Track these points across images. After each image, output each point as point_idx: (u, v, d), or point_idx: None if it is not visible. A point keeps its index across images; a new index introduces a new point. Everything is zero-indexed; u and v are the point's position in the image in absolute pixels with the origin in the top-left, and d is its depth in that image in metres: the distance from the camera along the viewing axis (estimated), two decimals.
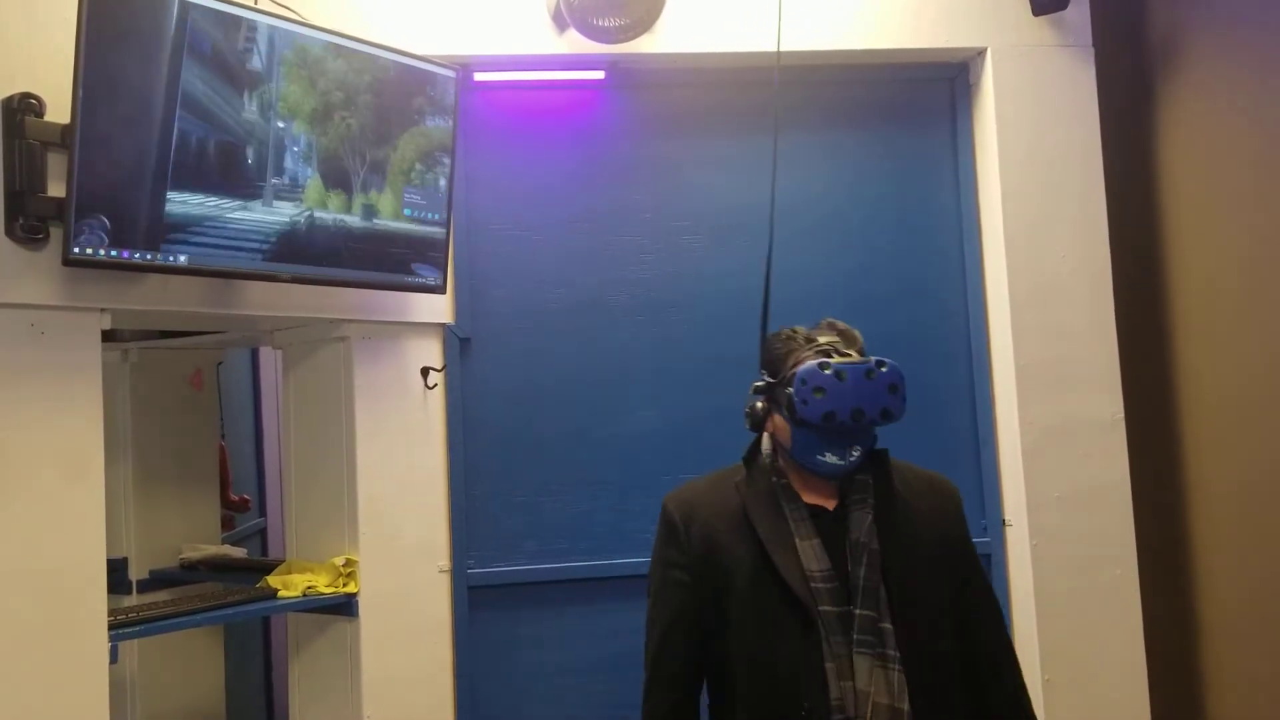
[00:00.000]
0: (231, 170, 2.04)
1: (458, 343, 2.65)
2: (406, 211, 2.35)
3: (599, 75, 2.74)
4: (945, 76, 2.84)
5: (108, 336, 2.12)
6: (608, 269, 2.74)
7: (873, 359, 1.74)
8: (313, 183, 2.17)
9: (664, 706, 1.89)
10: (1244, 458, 2.52)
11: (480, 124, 2.72)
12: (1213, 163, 2.59)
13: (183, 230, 1.97)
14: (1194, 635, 2.71)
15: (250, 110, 2.06)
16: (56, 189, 1.91)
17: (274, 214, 2.11)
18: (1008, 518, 2.69)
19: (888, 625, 1.73)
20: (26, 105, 1.91)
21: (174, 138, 1.94)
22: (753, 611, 1.81)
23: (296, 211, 2.15)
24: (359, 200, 2.25)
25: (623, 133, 2.78)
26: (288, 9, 2.23)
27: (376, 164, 2.27)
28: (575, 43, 2.61)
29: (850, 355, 1.77)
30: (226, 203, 2.03)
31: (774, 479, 1.86)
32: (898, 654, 1.72)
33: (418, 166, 2.34)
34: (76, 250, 1.85)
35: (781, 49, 2.67)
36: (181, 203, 1.96)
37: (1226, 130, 2.54)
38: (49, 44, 1.95)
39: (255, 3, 2.11)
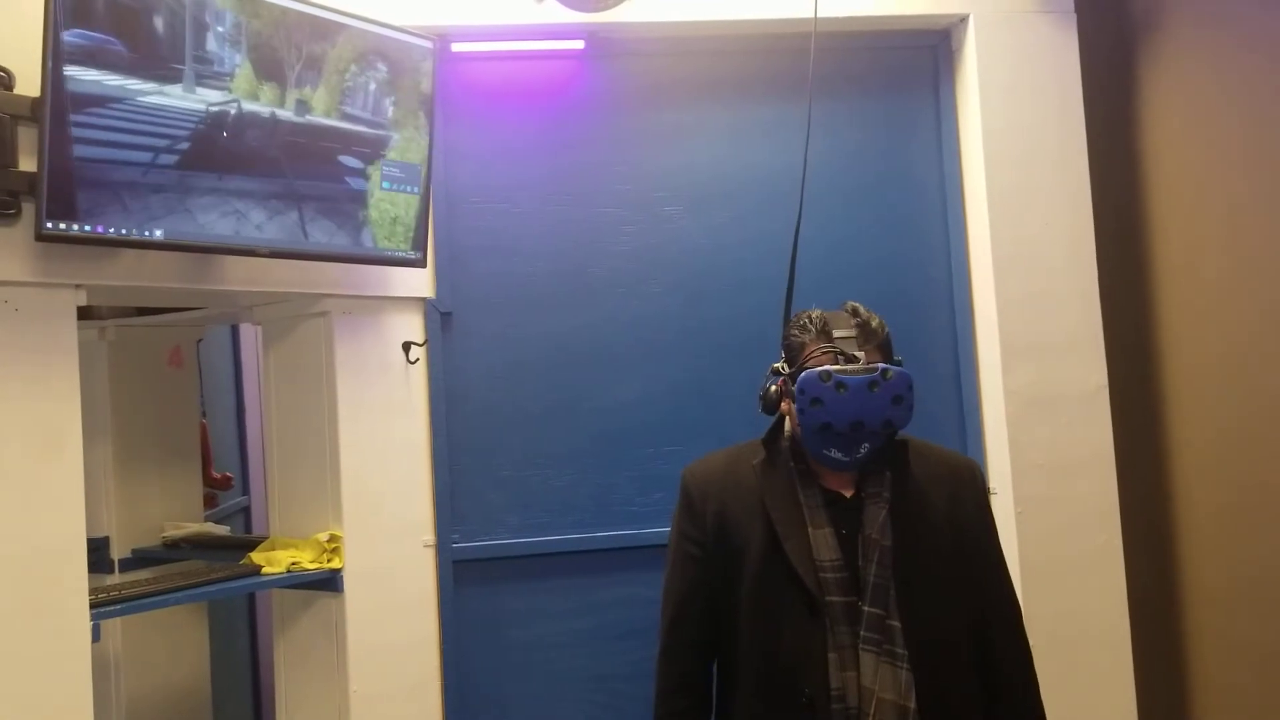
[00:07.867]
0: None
1: (439, 317, 2.63)
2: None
3: (579, 45, 2.70)
4: (928, 44, 2.82)
5: (84, 314, 2.09)
6: (589, 241, 2.72)
7: (879, 368, 1.71)
8: (242, 70, 2.02)
9: (674, 677, 1.91)
10: (1227, 424, 2.52)
11: (459, 95, 2.68)
12: (1195, 128, 2.58)
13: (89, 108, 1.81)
14: (1178, 601, 2.72)
15: None
16: (28, 163, 1.88)
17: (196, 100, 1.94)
18: (992, 486, 2.69)
19: (896, 623, 1.74)
20: None
21: None
22: (760, 594, 1.81)
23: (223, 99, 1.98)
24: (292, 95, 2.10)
25: (603, 103, 2.75)
26: None
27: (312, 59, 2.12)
28: (555, 12, 2.57)
29: (859, 359, 1.74)
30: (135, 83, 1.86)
31: (792, 463, 1.85)
32: (906, 652, 1.72)
33: (353, 67, 2.19)
34: (49, 226, 1.82)
35: (760, 17, 2.66)
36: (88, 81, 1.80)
37: (1209, 95, 2.53)
38: (17, 14, 1.91)
39: None
